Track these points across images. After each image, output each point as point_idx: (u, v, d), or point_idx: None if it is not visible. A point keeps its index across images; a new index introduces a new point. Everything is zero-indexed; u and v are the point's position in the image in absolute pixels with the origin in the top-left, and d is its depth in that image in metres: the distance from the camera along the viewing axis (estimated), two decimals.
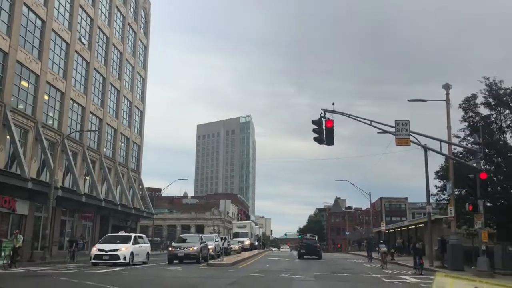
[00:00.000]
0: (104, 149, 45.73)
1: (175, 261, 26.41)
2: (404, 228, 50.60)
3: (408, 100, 27.53)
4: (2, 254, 25.20)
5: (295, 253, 51.74)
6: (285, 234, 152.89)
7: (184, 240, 28.98)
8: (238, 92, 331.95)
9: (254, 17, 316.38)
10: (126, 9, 52.03)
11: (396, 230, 53.69)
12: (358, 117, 22.49)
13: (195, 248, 26.72)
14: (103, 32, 45.75)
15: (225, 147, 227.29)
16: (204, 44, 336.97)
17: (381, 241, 32.73)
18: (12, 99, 30.17)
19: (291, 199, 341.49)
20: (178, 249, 26.75)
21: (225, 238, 30.89)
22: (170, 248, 28.01)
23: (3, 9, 29.43)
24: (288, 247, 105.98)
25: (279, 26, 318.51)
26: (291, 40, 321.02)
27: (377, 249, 32.81)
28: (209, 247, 30.28)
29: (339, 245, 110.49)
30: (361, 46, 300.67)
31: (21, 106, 31.65)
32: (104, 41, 46.37)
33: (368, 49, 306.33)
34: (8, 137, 29.52)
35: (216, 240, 33.06)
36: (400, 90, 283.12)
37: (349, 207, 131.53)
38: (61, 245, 36.76)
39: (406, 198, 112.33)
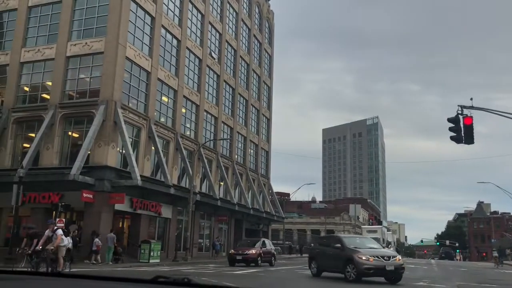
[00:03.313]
0: (236, 156, 48.02)
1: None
2: None
3: None
4: (152, 254, 27.89)
5: (432, 261, 50.90)
6: (421, 241, 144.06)
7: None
8: (361, 93, 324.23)
9: (368, 15, 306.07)
10: (251, 21, 54.26)
11: None
12: (501, 112, 20.36)
13: None
14: (231, 46, 48.29)
15: (352, 150, 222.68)
16: (322, 48, 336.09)
17: (493, 249, 47.93)
18: (155, 114, 33.42)
19: (426, 203, 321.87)
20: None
21: None
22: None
23: (145, 33, 32.84)
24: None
25: (394, 22, 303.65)
26: (409, 35, 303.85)
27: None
28: None
29: (484, 254, 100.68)
30: (487, 32, 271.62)
31: (162, 119, 34.87)
32: (232, 54, 48.89)
33: (496, 35, 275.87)
34: (153, 148, 32.69)
35: None
36: None
37: (495, 212, 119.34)
38: (200, 246, 39.47)
39: None
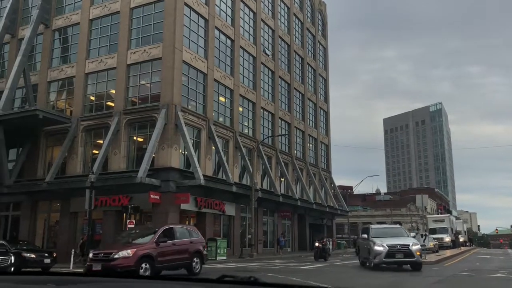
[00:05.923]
0: (295, 151, 47.88)
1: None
2: None
3: None
4: (219, 251, 28.49)
5: (510, 250, 48.15)
6: (496, 230, 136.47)
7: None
8: (420, 80, 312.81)
9: (419, 1, 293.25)
10: (303, 14, 53.78)
11: None
12: None
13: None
14: (284, 41, 48.14)
15: (416, 139, 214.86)
16: (375, 36, 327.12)
17: None
18: (213, 114, 34.04)
19: (498, 190, 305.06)
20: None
21: (426, 235, 28.89)
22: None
23: (199, 35, 33.51)
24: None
25: (448, 4, 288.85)
26: (464, 17, 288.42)
27: None
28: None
29: None
30: None
31: (221, 119, 35.44)
32: (286, 49, 48.72)
33: None
34: (213, 148, 33.34)
35: None
36: None
37: None
38: (265, 243, 39.79)
39: None
